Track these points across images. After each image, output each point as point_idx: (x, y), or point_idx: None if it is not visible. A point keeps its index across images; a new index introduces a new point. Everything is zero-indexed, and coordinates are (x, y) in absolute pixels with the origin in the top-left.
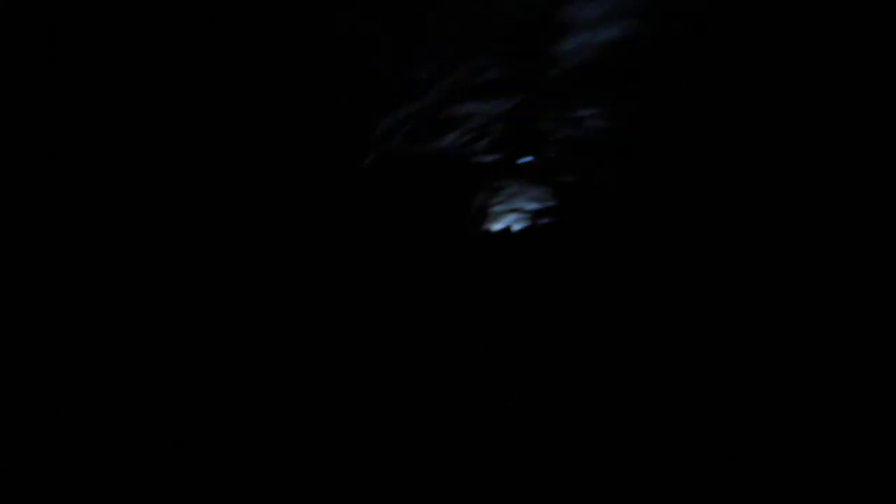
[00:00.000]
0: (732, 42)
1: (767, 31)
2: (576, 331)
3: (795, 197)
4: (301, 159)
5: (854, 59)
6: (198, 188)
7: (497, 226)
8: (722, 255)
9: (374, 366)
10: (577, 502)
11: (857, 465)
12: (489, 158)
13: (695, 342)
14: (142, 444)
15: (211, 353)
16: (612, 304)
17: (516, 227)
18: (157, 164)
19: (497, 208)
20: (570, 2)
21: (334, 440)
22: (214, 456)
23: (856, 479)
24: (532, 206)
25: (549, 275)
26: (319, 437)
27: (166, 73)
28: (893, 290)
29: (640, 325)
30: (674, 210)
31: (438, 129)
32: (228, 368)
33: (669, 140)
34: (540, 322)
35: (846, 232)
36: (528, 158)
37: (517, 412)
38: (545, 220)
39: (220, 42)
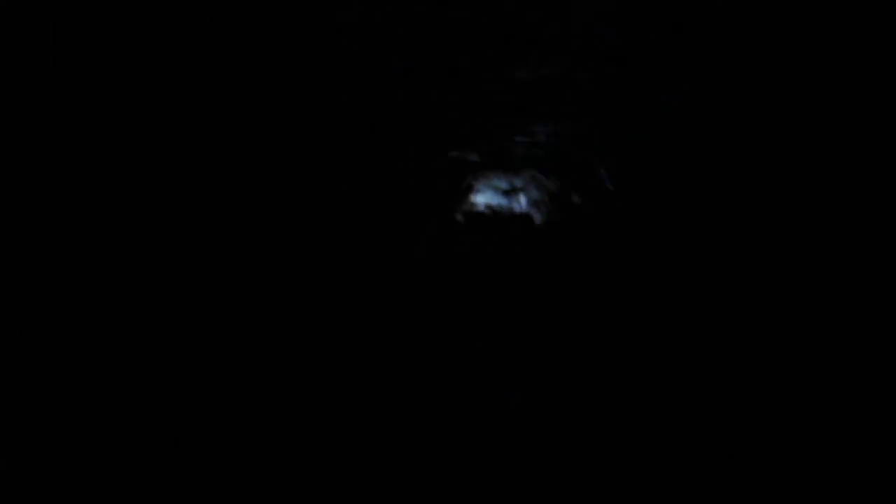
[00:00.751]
0: (733, 42)
1: (767, 31)
2: (575, 331)
3: (796, 197)
4: (300, 159)
5: (854, 59)
6: (196, 188)
7: (477, 197)
8: (721, 256)
9: (373, 365)
10: (578, 502)
11: (857, 466)
12: (476, 158)
13: (694, 342)
14: (142, 444)
15: (210, 354)
16: (612, 304)
17: (493, 200)
18: (155, 164)
19: (478, 185)
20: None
21: (334, 440)
22: (214, 456)
23: (856, 480)
24: (503, 184)
25: (547, 274)
26: (319, 437)
27: (165, 73)
28: (894, 290)
29: (639, 324)
30: (671, 210)
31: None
32: (228, 368)
33: (669, 140)
34: (539, 322)
35: (847, 232)
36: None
37: (517, 412)
38: (512, 197)
39: (219, 42)
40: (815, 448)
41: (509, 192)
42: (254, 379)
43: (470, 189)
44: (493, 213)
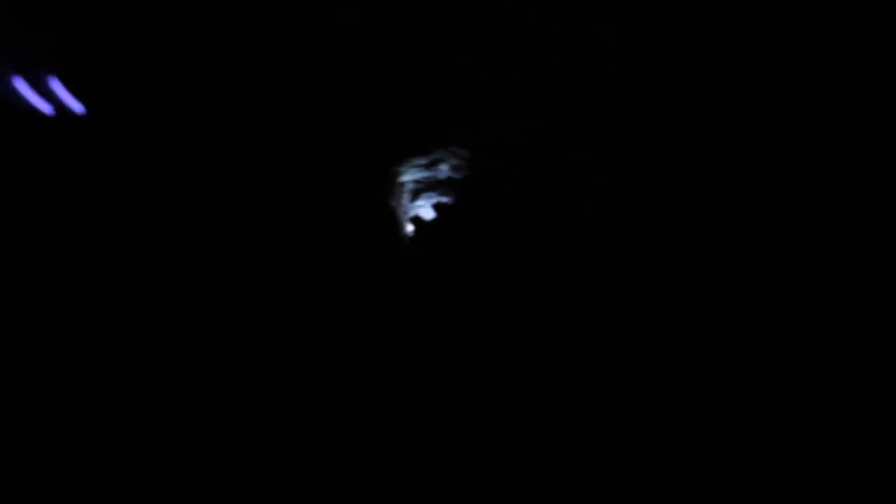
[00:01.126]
0: (733, 42)
1: (767, 31)
2: (575, 330)
3: (796, 197)
4: (300, 159)
5: (854, 58)
6: (195, 188)
7: (404, 177)
8: (720, 255)
9: (372, 365)
10: (578, 502)
11: (857, 466)
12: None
13: (694, 341)
14: (142, 444)
15: (209, 353)
16: (612, 303)
17: (417, 175)
18: (154, 163)
19: (402, 168)
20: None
21: (333, 440)
22: (214, 456)
23: (856, 480)
24: (423, 160)
25: (548, 274)
26: (319, 437)
27: (165, 74)
28: (894, 290)
29: (639, 323)
30: (671, 209)
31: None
32: (227, 368)
33: (669, 140)
34: (539, 321)
35: (846, 232)
36: None
37: (517, 412)
38: (433, 168)
39: (219, 42)
40: (816, 448)
41: (430, 165)
42: (253, 378)
43: (396, 174)
44: (420, 186)
